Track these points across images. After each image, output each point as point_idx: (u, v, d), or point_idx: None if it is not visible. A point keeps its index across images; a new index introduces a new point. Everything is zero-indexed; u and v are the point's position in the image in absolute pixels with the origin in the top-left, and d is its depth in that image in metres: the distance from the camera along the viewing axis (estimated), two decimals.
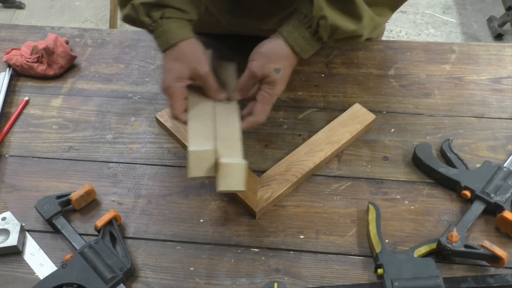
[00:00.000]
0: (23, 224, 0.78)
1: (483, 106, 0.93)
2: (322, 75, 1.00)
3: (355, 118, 0.89)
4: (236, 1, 0.92)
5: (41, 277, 0.72)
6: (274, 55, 0.75)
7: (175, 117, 0.77)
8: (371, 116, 0.90)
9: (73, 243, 0.75)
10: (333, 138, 0.87)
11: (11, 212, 0.79)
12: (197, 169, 0.70)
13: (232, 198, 0.81)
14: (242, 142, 0.75)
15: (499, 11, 2.52)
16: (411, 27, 2.66)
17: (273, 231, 0.78)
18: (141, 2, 0.76)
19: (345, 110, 0.91)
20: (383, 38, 1.14)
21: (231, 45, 1.04)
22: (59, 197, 0.79)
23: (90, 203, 0.81)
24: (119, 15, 2.46)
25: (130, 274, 0.72)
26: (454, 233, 0.71)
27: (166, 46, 0.76)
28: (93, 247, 0.72)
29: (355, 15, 0.72)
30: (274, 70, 0.74)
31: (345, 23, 0.72)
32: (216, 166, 0.71)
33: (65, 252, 0.74)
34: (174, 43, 0.75)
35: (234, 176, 0.70)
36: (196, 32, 0.78)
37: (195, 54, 0.76)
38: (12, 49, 1.03)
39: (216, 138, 0.74)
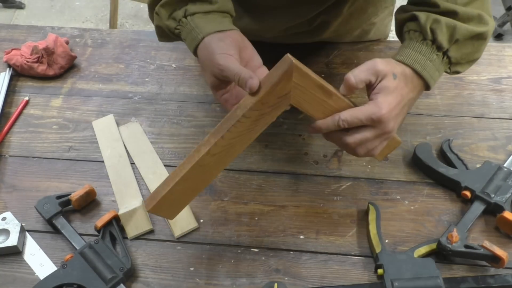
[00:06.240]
0: (23, 224, 0.78)
1: (483, 106, 0.93)
2: (322, 75, 1.00)
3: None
4: (245, 14, 0.90)
5: (41, 277, 0.72)
6: (396, 66, 0.67)
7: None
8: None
9: (73, 243, 0.75)
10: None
11: (11, 212, 0.79)
12: (133, 227, 0.77)
13: (232, 198, 0.81)
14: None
15: (499, 11, 2.52)
16: None
17: (273, 231, 0.78)
18: (162, 3, 0.68)
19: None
20: None
21: None
22: (59, 197, 0.79)
23: (90, 203, 0.81)
24: (119, 14, 2.46)
25: (130, 274, 0.72)
26: (454, 233, 0.71)
27: (192, 48, 0.66)
28: (93, 247, 0.72)
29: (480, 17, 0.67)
30: (393, 74, 0.66)
31: (463, 23, 0.67)
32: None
33: (65, 252, 0.74)
34: (197, 43, 0.65)
35: (182, 218, 0.77)
36: None
37: (210, 54, 0.64)
38: (12, 49, 1.03)
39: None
